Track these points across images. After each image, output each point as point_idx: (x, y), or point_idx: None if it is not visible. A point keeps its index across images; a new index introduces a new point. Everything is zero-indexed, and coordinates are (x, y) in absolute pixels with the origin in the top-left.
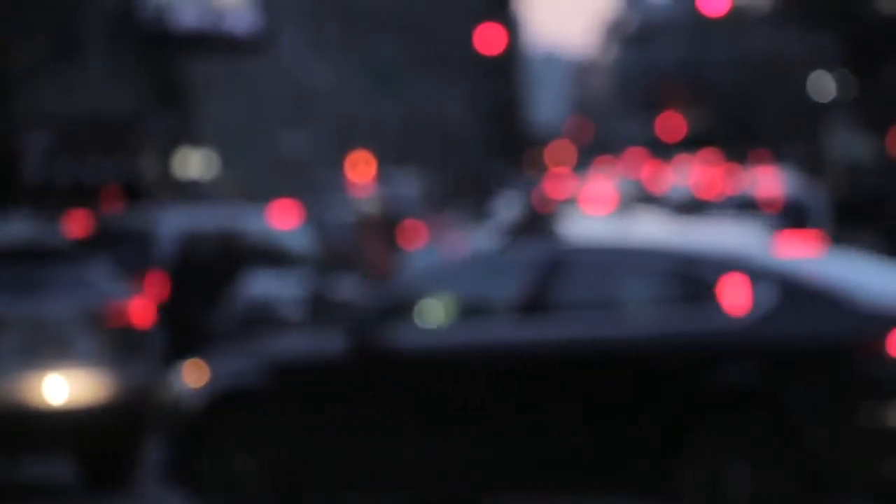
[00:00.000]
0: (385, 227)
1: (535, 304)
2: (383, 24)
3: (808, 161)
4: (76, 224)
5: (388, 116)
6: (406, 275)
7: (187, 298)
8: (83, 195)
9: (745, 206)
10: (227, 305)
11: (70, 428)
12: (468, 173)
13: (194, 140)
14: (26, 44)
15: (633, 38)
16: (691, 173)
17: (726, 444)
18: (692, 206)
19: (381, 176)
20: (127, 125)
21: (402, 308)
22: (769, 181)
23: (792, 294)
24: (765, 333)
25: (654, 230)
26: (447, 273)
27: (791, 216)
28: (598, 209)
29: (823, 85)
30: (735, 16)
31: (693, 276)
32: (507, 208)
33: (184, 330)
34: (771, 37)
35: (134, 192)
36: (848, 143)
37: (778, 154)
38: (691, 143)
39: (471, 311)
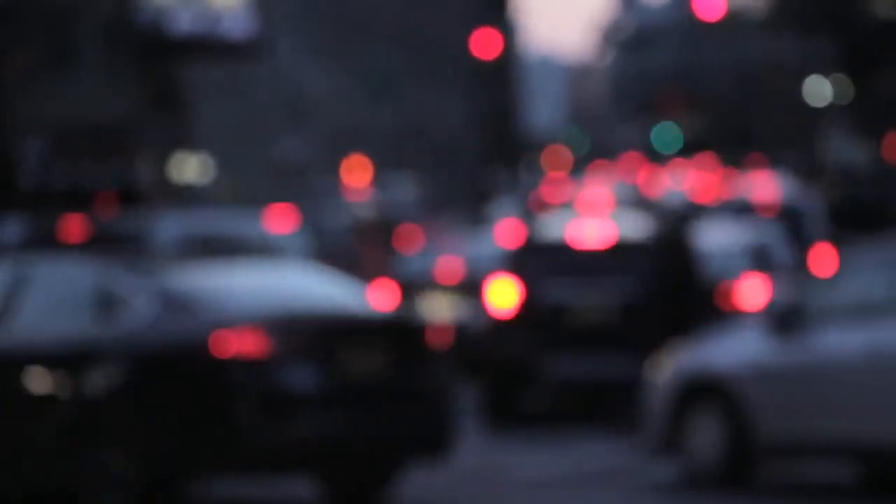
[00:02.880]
0: (381, 231)
1: (4, 311)
2: (379, 29)
3: (805, 166)
4: (72, 229)
5: (385, 121)
6: None
7: None
8: (79, 200)
9: (741, 211)
10: None
11: None
12: (464, 178)
13: (190, 145)
14: (23, 49)
15: (628, 42)
16: (687, 178)
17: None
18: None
19: (378, 181)
20: (123, 130)
21: None
22: (765, 186)
23: (169, 304)
24: (141, 338)
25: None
26: None
27: (787, 221)
28: (595, 213)
29: (819, 89)
30: (731, 20)
31: (105, 289)
32: (504, 213)
33: None
34: (767, 41)
35: (130, 198)
36: (844, 148)
37: (774, 159)
38: (687, 148)
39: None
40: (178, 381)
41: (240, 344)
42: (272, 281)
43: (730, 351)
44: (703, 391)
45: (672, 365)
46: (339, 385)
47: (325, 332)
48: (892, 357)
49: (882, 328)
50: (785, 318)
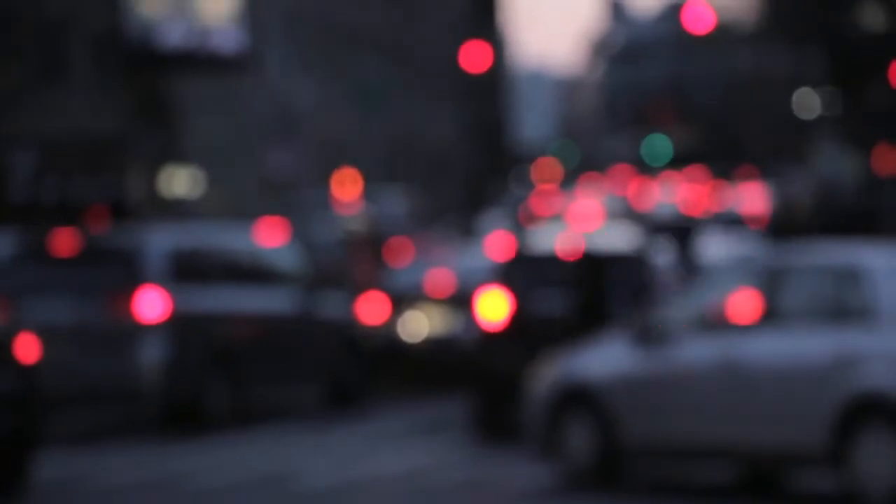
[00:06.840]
0: (372, 244)
1: None
2: (369, 42)
3: (795, 178)
4: (63, 242)
5: (375, 134)
6: None
7: None
8: (70, 214)
9: (731, 223)
10: None
11: None
12: (455, 191)
13: (180, 158)
14: (12, 63)
15: (619, 55)
16: (677, 190)
17: None
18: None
19: (368, 194)
20: (113, 144)
21: None
22: (755, 198)
23: None
24: None
25: None
26: None
27: (776, 232)
28: (585, 225)
29: (809, 102)
30: (720, 33)
31: None
32: (494, 225)
33: None
34: (756, 54)
35: (120, 211)
36: (833, 161)
37: (764, 171)
38: (677, 160)
39: None
40: None
41: None
42: None
43: (598, 361)
44: (575, 398)
45: (548, 374)
46: None
47: None
48: (739, 366)
49: (732, 339)
50: (647, 331)
